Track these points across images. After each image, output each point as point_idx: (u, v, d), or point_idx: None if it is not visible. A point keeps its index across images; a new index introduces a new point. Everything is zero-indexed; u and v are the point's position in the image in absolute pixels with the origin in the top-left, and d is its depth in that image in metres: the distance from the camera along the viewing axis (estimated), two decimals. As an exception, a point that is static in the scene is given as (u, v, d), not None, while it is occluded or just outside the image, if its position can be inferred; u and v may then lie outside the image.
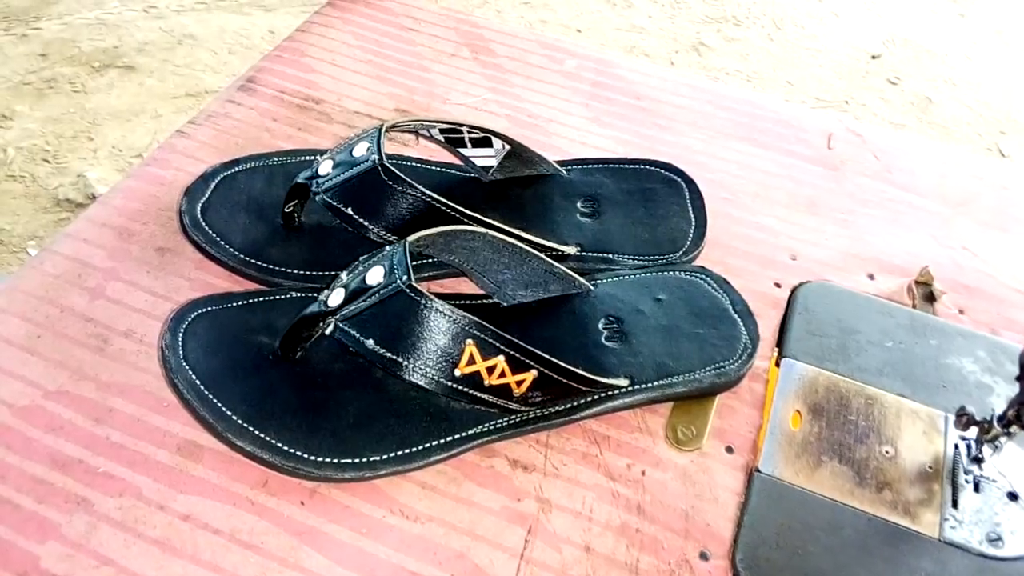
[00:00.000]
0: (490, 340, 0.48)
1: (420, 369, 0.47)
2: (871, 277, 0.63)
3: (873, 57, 2.43)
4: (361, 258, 0.51)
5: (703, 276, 0.59)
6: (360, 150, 0.55)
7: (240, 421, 0.48)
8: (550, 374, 0.49)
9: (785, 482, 0.51)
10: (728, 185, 0.68)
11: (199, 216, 0.58)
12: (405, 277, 0.47)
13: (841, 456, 0.52)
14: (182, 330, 0.51)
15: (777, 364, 0.57)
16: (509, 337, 0.48)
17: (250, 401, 0.49)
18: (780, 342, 0.58)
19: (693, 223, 0.62)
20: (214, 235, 0.57)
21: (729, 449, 0.53)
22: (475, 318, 0.47)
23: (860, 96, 2.29)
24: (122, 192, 0.63)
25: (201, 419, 0.48)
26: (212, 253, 0.56)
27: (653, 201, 0.63)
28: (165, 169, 0.65)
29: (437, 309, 0.47)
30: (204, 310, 0.52)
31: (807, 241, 0.65)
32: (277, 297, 0.55)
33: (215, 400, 0.48)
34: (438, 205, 0.55)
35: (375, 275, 0.48)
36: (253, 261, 0.56)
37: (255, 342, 0.52)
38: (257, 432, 0.48)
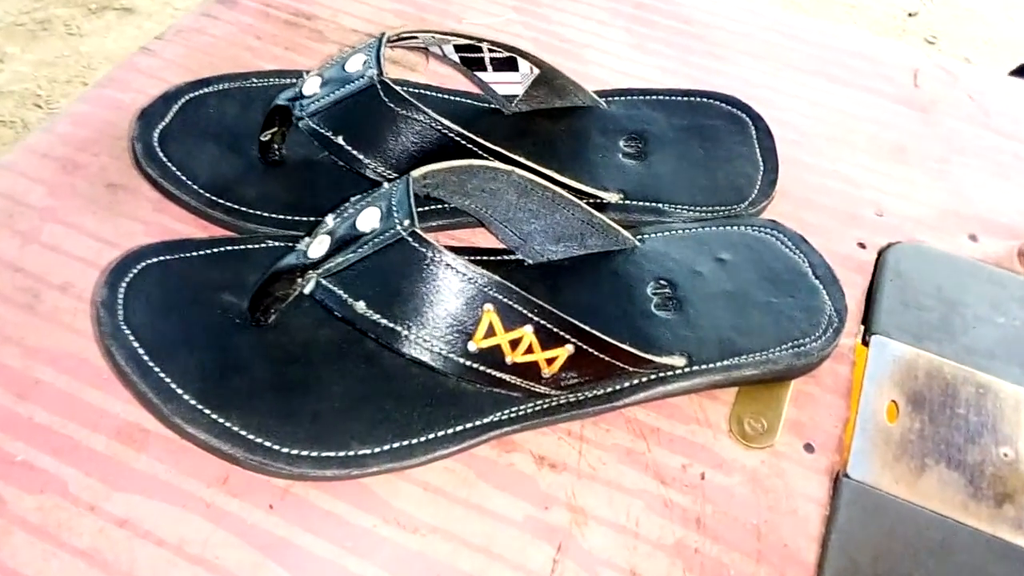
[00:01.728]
0: (515, 306, 0.37)
1: (424, 341, 0.37)
2: (973, 238, 0.52)
3: (910, 15, 2.29)
4: (352, 199, 0.41)
5: (775, 232, 0.48)
6: (355, 64, 0.44)
7: (193, 402, 0.37)
8: (589, 350, 0.39)
9: (881, 491, 0.40)
10: (798, 126, 0.57)
11: (155, 145, 0.47)
12: (407, 222, 0.37)
13: (950, 459, 0.42)
14: (124, 284, 0.40)
15: (865, 342, 0.46)
16: (539, 303, 0.37)
17: (208, 377, 0.38)
18: (867, 315, 0.47)
19: (761, 168, 0.51)
20: (174, 168, 0.46)
21: (809, 447, 0.42)
22: (496, 277, 0.37)
23: (899, 54, 2.15)
24: (70, 117, 0.52)
25: (142, 398, 0.38)
26: (171, 190, 0.46)
27: (712, 141, 0.52)
28: (124, 91, 0.54)
29: (448, 264, 0.36)
30: (155, 260, 0.42)
31: (895, 194, 0.54)
32: (250, 246, 0.44)
33: (161, 374, 0.38)
34: (451, 135, 0.44)
35: (368, 219, 0.38)
36: (222, 201, 0.46)
37: (218, 302, 0.41)
38: (215, 416, 0.37)
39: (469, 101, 0.54)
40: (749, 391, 0.43)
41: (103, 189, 0.48)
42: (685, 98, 0.54)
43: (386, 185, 0.39)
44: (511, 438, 0.41)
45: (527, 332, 0.37)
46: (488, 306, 0.37)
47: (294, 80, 0.52)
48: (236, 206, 0.46)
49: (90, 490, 0.37)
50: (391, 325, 0.36)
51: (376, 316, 0.36)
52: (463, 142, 0.44)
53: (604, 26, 0.63)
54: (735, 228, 0.48)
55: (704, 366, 0.42)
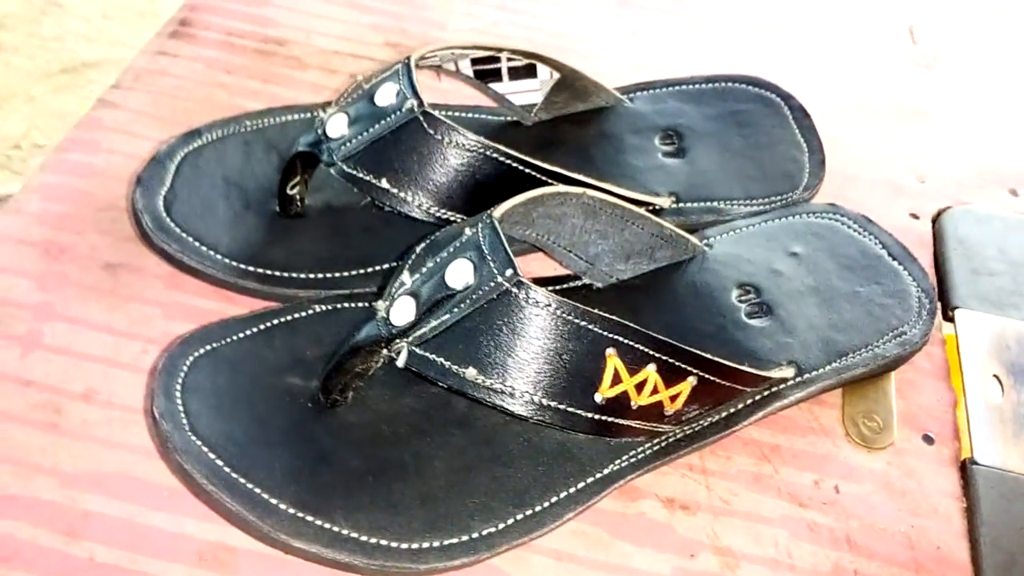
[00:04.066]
0: (637, 346, 0.33)
1: (550, 401, 0.33)
2: (1014, 193, 0.51)
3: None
4: (419, 249, 0.36)
5: (838, 216, 0.46)
6: (386, 96, 0.39)
7: (292, 511, 0.32)
8: (713, 379, 0.35)
9: (1013, 472, 0.39)
10: (815, 99, 0.55)
11: (163, 214, 0.41)
12: (509, 272, 0.32)
13: (1064, 427, 0.41)
14: (179, 386, 0.34)
15: (947, 318, 0.45)
16: (659, 338, 0.34)
17: (299, 478, 0.33)
18: (942, 289, 0.46)
19: (806, 149, 0.49)
20: (190, 238, 0.40)
21: (928, 439, 0.40)
22: (614, 318, 0.33)
23: None
24: (38, 192, 0.45)
25: (234, 516, 0.32)
26: (191, 264, 0.40)
27: (749, 127, 0.49)
28: (93, 154, 0.47)
29: (563, 313, 0.32)
30: (203, 351, 0.36)
31: (930, 157, 0.53)
32: (296, 315, 0.39)
33: (250, 485, 0.33)
34: (507, 161, 0.40)
35: (459, 273, 0.33)
36: (252, 269, 0.40)
37: (283, 387, 0.36)
38: (320, 522, 0.32)
39: (484, 116, 0.49)
40: (854, 389, 0.41)
41: (101, 272, 0.42)
42: (709, 85, 0.51)
43: (464, 231, 0.35)
44: (633, 484, 0.37)
45: (651, 371, 0.34)
46: (610, 350, 0.33)
47: (292, 117, 0.47)
48: (268, 271, 0.40)
49: (186, 633, 0.32)
50: (510, 390, 0.32)
51: (491, 382, 0.32)
52: (519, 166, 0.40)
53: (593, 16, 0.59)
54: (797, 217, 0.46)
55: (814, 372, 0.39)
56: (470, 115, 0.49)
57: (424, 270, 0.35)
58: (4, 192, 1.54)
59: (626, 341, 0.33)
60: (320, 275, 0.41)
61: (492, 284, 0.32)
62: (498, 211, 0.35)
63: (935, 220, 0.49)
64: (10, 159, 1.63)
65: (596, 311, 0.33)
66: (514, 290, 0.32)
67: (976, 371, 0.42)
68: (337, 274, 0.41)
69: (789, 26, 0.60)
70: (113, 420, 0.37)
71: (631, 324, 0.33)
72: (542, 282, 0.42)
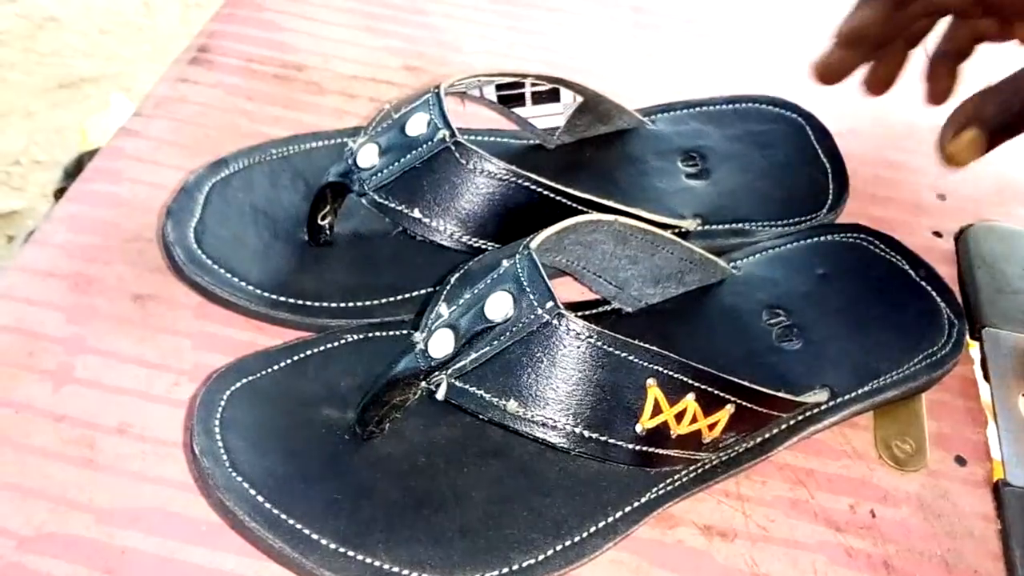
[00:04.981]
0: (677, 375, 0.33)
1: (588, 435, 0.33)
2: (1033, 209, 0.52)
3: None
4: (454, 279, 0.36)
5: (864, 236, 0.46)
6: (417, 126, 0.39)
7: (334, 546, 0.32)
8: (750, 407, 0.35)
9: (1046, 495, 0.39)
10: (830, 117, 0.55)
11: (195, 246, 0.41)
12: (550, 304, 0.32)
13: (1095, 447, 0.41)
14: (218, 422, 0.34)
15: (975, 337, 0.45)
16: (699, 367, 0.34)
17: (340, 513, 0.33)
18: (968, 308, 0.46)
19: (829, 169, 0.49)
20: (221, 270, 0.40)
21: (960, 460, 0.40)
22: (654, 348, 0.33)
23: None
24: (64, 223, 0.45)
25: (276, 553, 0.32)
26: (224, 296, 0.40)
27: (771, 147, 0.50)
28: (117, 183, 0.47)
29: (604, 345, 0.32)
30: (237, 384, 0.36)
31: (948, 175, 0.53)
32: (328, 346, 0.39)
33: (291, 521, 0.32)
34: (538, 189, 0.40)
35: (498, 305, 0.33)
36: (283, 299, 0.40)
37: (319, 420, 0.36)
38: (362, 557, 0.32)
39: (507, 140, 0.49)
40: (885, 411, 0.41)
41: (130, 303, 0.42)
42: (730, 105, 0.51)
43: (502, 262, 0.35)
44: (669, 511, 0.37)
45: (690, 401, 0.34)
46: (651, 381, 0.33)
47: (317, 144, 0.47)
48: (300, 301, 0.40)
49: (230, 672, 0.32)
50: (551, 422, 0.32)
51: (532, 415, 0.32)
52: (548, 194, 0.40)
53: (609, 37, 0.59)
54: (823, 238, 0.46)
55: (848, 396, 0.39)
56: (493, 139, 0.49)
57: (461, 302, 0.35)
58: (6, 209, 1.54)
59: (666, 371, 0.33)
60: (351, 304, 0.41)
61: (532, 316, 0.32)
62: (535, 242, 0.35)
63: (958, 238, 0.49)
64: (10, 175, 1.62)
65: (636, 342, 0.33)
66: (555, 322, 0.32)
67: (1004, 391, 0.42)
68: (368, 302, 0.41)
69: (801, 44, 0.60)
70: (147, 454, 0.37)
71: (671, 354, 0.33)
72: (570, 307, 0.42)
